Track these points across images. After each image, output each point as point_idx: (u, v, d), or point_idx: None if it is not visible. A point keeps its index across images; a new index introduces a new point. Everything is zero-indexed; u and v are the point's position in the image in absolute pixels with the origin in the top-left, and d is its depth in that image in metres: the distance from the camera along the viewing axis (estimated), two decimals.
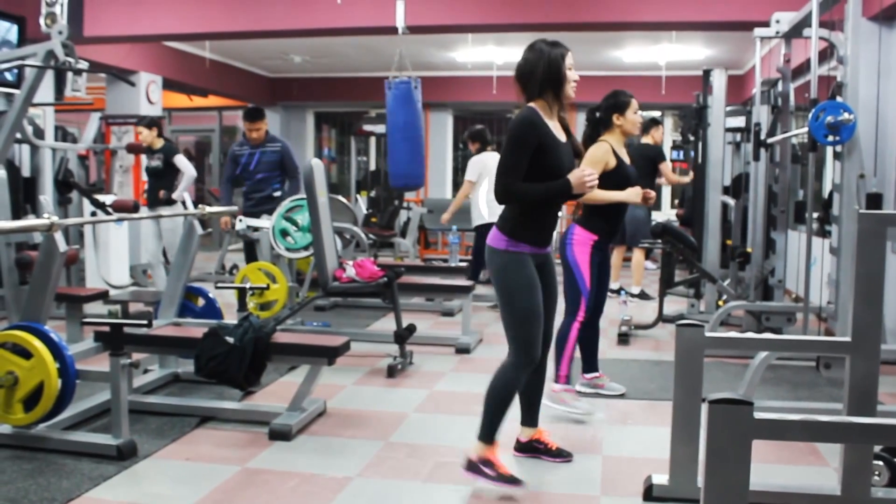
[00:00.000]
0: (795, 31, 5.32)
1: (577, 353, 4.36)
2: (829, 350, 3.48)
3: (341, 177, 14.37)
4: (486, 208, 7.22)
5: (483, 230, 7.01)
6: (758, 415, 1.94)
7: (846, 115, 3.79)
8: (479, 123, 13.57)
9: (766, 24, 5.54)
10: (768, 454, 3.69)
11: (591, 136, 4.32)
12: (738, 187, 7.62)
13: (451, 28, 7.52)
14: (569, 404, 4.17)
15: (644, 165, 8.20)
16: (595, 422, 4.19)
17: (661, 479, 3.13)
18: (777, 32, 5.37)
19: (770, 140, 5.52)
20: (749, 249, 6.17)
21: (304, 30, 7.30)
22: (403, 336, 5.13)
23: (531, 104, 3.15)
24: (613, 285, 8.74)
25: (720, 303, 6.51)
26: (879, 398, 4.61)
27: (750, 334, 3.93)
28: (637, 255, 8.57)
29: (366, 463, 3.51)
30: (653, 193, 4.17)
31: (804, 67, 5.92)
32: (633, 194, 4.09)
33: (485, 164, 7.33)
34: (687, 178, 8.49)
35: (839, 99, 3.96)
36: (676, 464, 3.07)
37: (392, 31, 6.57)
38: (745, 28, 7.00)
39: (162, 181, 7.00)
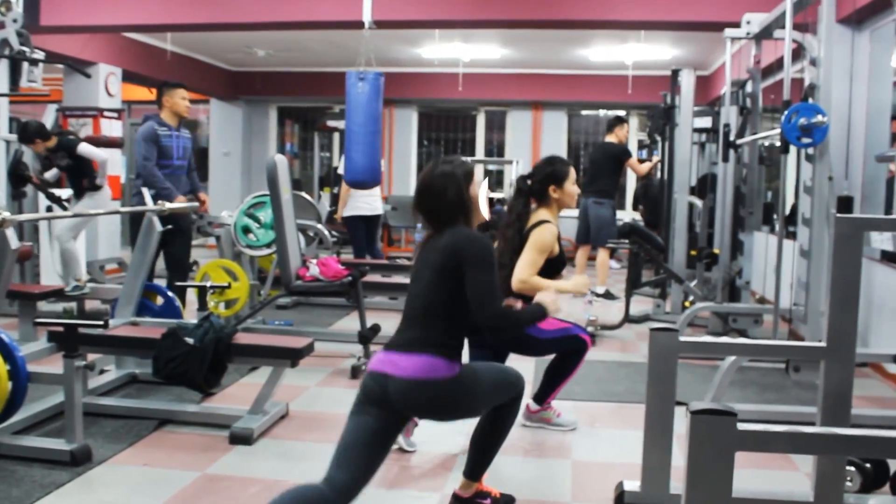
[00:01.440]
0: (766, 33, 5.31)
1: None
2: (804, 355, 3.46)
3: (304, 173, 14.18)
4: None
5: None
6: (741, 426, 1.89)
7: (819, 118, 3.77)
8: (444, 119, 13.67)
9: (735, 25, 5.53)
10: (740, 458, 3.65)
11: (522, 211, 3.78)
12: (703, 188, 7.64)
13: (418, 23, 7.43)
14: (552, 422, 3.99)
15: (607, 164, 8.20)
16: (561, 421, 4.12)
17: (633, 485, 3.07)
18: (748, 33, 5.36)
19: (740, 141, 5.51)
20: (716, 251, 6.16)
21: (270, 23, 7.13)
22: (368, 336, 5.03)
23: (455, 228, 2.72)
24: (599, 289, 8.73)
25: (686, 304, 6.50)
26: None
27: (725, 339, 3.90)
28: (602, 254, 8.55)
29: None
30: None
31: (772, 69, 5.92)
32: (581, 284, 3.67)
33: None
34: (656, 159, 8.47)
35: (811, 101, 3.94)
36: (649, 470, 3.02)
37: (359, 25, 6.44)
38: (713, 28, 7.00)
39: (80, 173, 6.49)
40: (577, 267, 8.81)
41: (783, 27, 5.22)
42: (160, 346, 3.73)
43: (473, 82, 11.54)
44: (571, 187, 3.80)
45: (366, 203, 7.77)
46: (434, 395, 2.60)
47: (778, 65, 5.86)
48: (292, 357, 3.77)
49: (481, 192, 2.87)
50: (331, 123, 11.52)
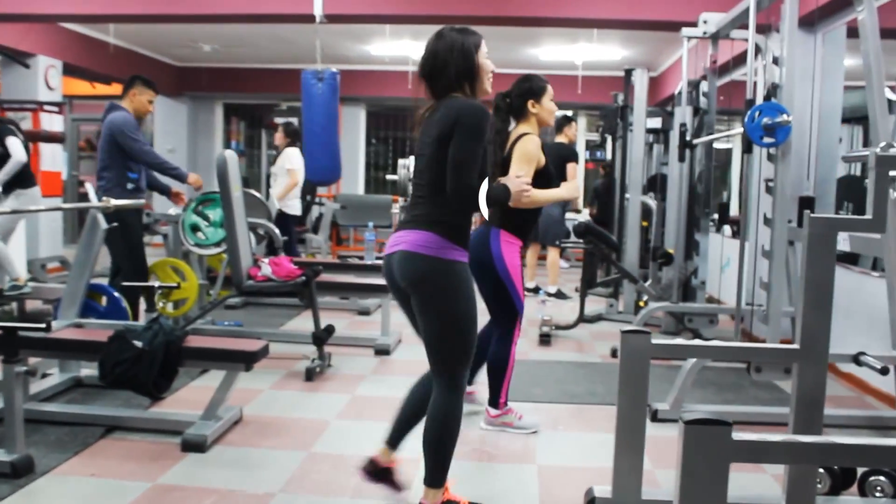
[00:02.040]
0: (723, 33, 5.31)
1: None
2: (777, 357, 3.43)
3: (251, 171, 13.91)
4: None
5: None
6: (736, 436, 1.82)
7: (783, 117, 3.76)
8: (393, 118, 13.53)
9: (689, 25, 5.52)
10: None
11: (501, 128, 3.78)
12: (652, 188, 7.66)
13: (369, 18, 7.28)
14: (514, 426, 3.90)
15: (559, 165, 8.17)
16: (522, 424, 4.05)
17: (604, 490, 3.01)
18: (704, 33, 5.35)
19: (696, 141, 5.50)
20: (670, 250, 6.16)
21: (218, 15, 6.92)
22: (322, 338, 4.89)
23: (454, 95, 2.70)
24: (530, 284, 8.70)
25: (641, 303, 6.50)
26: None
27: (697, 341, 3.86)
28: (552, 253, 8.54)
29: (288, 476, 3.27)
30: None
31: (724, 69, 5.95)
32: (573, 189, 3.77)
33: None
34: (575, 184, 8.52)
35: (774, 100, 3.93)
36: (620, 475, 2.94)
37: (309, 19, 6.29)
38: (666, 28, 7.03)
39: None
40: (527, 266, 8.79)
41: (740, 27, 5.27)
42: (107, 350, 3.54)
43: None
44: (549, 103, 3.81)
45: (295, 203, 7.71)
46: (422, 267, 2.66)
47: (734, 63, 5.90)
48: (247, 361, 3.61)
49: (490, 66, 2.79)
50: (279, 121, 11.27)
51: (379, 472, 2.98)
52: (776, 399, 4.62)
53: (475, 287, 2.86)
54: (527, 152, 3.70)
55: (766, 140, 3.92)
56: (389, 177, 12.13)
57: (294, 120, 11.15)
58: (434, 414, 2.78)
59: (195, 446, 3.47)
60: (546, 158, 3.82)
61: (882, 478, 3.08)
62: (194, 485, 3.14)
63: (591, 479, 3.19)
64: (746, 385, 4.89)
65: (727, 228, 7.71)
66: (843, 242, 4.38)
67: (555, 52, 10.32)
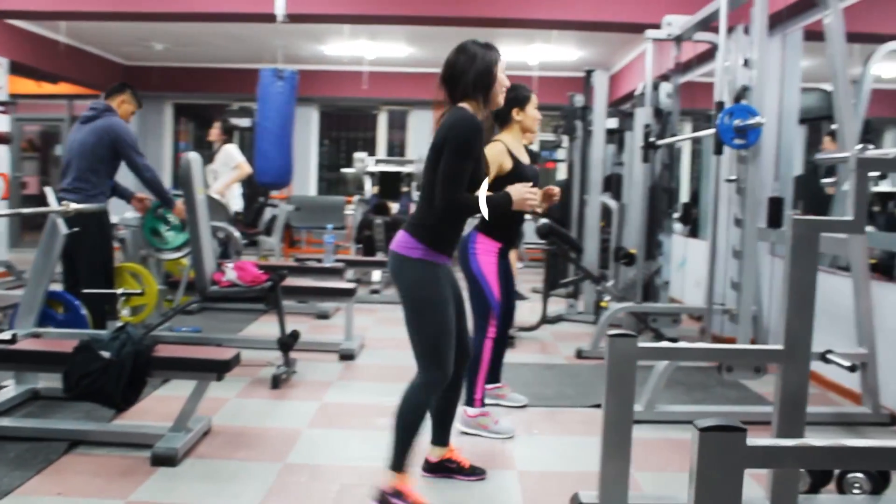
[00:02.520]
0: (686, 35, 5.36)
1: None
2: (761, 358, 3.46)
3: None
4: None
5: None
6: (750, 441, 1.81)
7: (756, 119, 3.79)
8: (345, 119, 13.39)
9: (649, 26, 5.56)
10: (682, 462, 3.62)
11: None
12: (607, 188, 7.69)
13: (331, 18, 7.18)
14: (489, 429, 3.89)
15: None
16: (498, 429, 4.02)
17: (590, 496, 2.98)
18: (669, 35, 5.39)
19: (660, 142, 5.54)
20: (633, 251, 6.20)
21: (180, 14, 6.73)
22: (289, 343, 4.79)
23: (462, 105, 2.89)
24: None
25: (603, 304, 6.52)
26: (770, 398, 4.71)
27: (683, 344, 3.87)
28: (511, 255, 8.52)
29: (266, 489, 3.17)
30: (557, 189, 3.89)
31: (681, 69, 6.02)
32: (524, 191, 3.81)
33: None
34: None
35: (744, 102, 3.97)
36: (607, 480, 2.92)
37: (271, 18, 6.17)
38: (625, 29, 7.10)
39: None
40: None
41: (704, 30, 5.32)
42: (72, 362, 3.40)
43: (377, 81, 11.35)
44: (533, 111, 3.97)
45: (236, 199, 7.60)
46: (399, 267, 2.87)
47: (691, 65, 5.96)
48: (219, 370, 3.51)
49: (505, 81, 2.98)
50: (231, 121, 11.06)
51: (434, 467, 3.26)
52: (744, 398, 4.67)
53: (454, 295, 2.99)
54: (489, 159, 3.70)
55: (737, 142, 3.96)
56: (344, 170, 12.00)
57: (246, 121, 10.97)
58: (406, 398, 2.93)
59: (166, 460, 3.35)
60: (520, 161, 3.86)
61: (860, 475, 3.12)
62: (169, 501, 3.03)
63: (573, 484, 3.17)
64: (713, 384, 4.93)
65: (679, 227, 7.79)
66: None
67: (510, 53, 10.26)
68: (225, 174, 7.41)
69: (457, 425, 3.91)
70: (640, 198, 6.44)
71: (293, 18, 6.36)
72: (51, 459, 3.37)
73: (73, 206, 4.22)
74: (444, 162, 2.76)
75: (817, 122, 6.36)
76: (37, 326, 4.10)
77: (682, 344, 3.79)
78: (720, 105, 3.98)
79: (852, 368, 3.84)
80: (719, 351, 3.24)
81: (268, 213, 10.61)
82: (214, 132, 7.60)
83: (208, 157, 7.22)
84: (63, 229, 4.14)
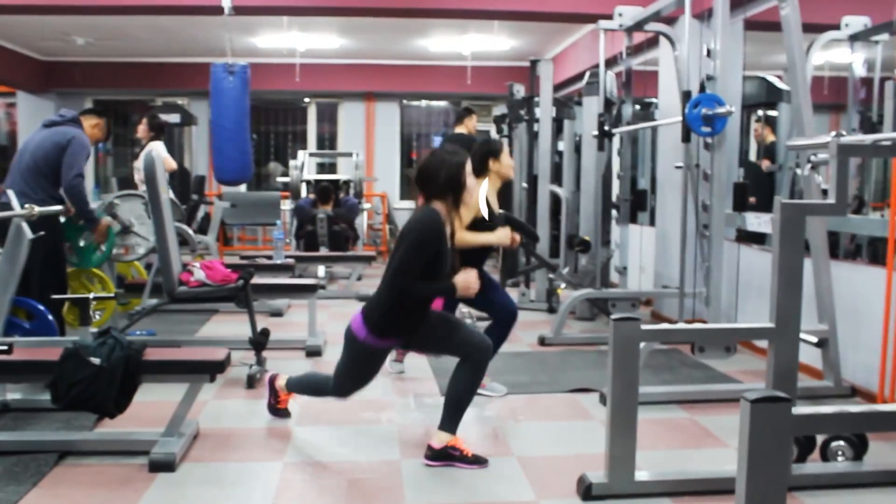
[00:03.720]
0: (637, 25, 5.51)
1: None
2: (752, 336, 3.64)
3: (120, 171, 13.18)
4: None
5: None
6: (795, 410, 1.92)
7: (725, 108, 3.95)
8: (274, 112, 13.18)
9: (587, 17, 5.69)
10: (671, 440, 3.77)
11: None
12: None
13: (273, 10, 7.11)
14: (484, 387, 4.30)
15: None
16: (488, 420, 4.09)
17: (598, 476, 3.07)
18: (620, 25, 5.53)
19: (616, 130, 5.69)
20: (587, 238, 6.35)
21: (124, 7, 6.49)
22: (262, 342, 4.75)
23: (434, 206, 3.29)
24: None
25: (559, 290, 6.66)
26: (734, 376, 4.92)
27: (681, 325, 4.00)
28: None
29: (273, 488, 3.16)
30: (518, 237, 4.30)
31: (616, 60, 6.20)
32: (503, 236, 4.18)
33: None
34: None
35: (709, 91, 4.12)
36: (615, 460, 3.03)
37: (217, 11, 6.05)
38: (566, 20, 7.24)
39: None
40: None
41: (655, 21, 5.49)
42: (60, 370, 3.29)
43: (307, 73, 11.22)
44: (507, 158, 4.41)
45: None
46: (348, 337, 3.41)
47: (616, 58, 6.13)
48: (212, 371, 3.46)
49: (474, 183, 3.45)
50: (167, 118, 10.75)
51: (438, 454, 3.39)
52: (712, 377, 4.85)
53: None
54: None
55: (705, 129, 4.11)
56: (280, 179, 11.85)
57: (175, 116, 10.71)
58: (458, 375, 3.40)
59: (164, 465, 3.29)
60: (492, 210, 4.28)
61: (842, 443, 3.30)
62: None
63: (574, 466, 3.26)
64: (677, 365, 5.11)
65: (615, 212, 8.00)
66: (766, 225, 4.66)
67: (443, 44, 10.37)
68: None
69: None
70: (591, 186, 6.60)
71: (239, 11, 6.25)
72: (43, 472, 3.26)
73: (37, 209, 4.08)
74: (401, 252, 3.22)
75: (753, 108, 6.64)
76: (2, 335, 3.97)
77: (680, 326, 3.93)
78: (687, 94, 4.12)
79: (819, 344, 4.05)
80: (716, 331, 3.38)
81: (202, 209, 10.43)
82: (141, 129, 7.41)
83: (132, 155, 7.02)
84: (28, 234, 4.00)
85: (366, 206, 10.75)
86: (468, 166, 3.35)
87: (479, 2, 7.06)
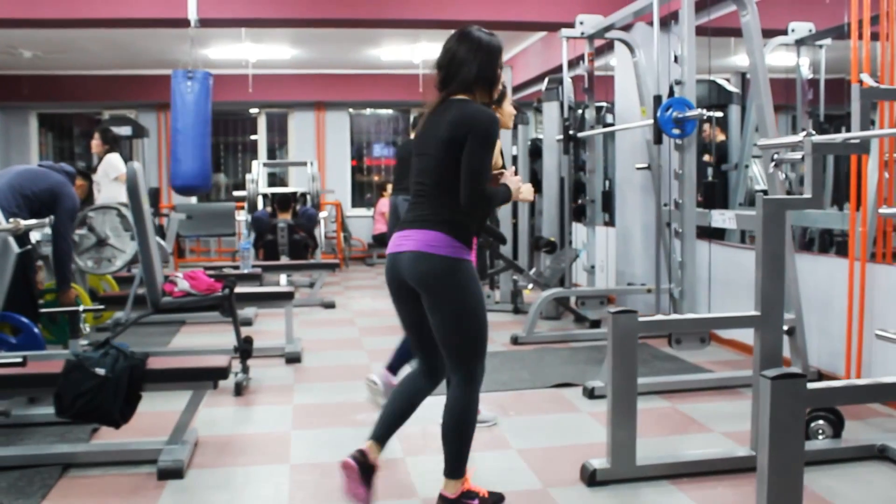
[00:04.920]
0: (598, 33, 5.72)
1: None
2: (739, 324, 3.83)
3: None
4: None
5: None
6: (810, 385, 2.09)
7: (695, 112, 4.16)
8: (225, 123, 13.09)
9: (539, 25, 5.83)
10: (660, 428, 3.95)
11: None
12: None
13: (235, 22, 7.12)
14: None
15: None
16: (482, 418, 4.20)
17: (601, 462, 3.22)
18: (582, 34, 5.73)
19: (581, 134, 5.88)
20: (552, 239, 6.53)
21: (88, 20, 6.40)
22: (248, 350, 4.79)
23: (462, 96, 2.78)
24: None
25: (527, 291, 6.83)
26: (705, 366, 5.13)
27: (674, 316, 4.17)
28: None
29: (286, 490, 3.23)
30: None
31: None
32: (528, 191, 3.89)
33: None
34: None
35: (677, 96, 4.33)
36: (617, 446, 3.18)
37: (183, 23, 6.06)
38: (528, 28, 7.39)
39: None
40: None
41: (616, 28, 5.70)
42: (65, 382, 3.30)
43: (259, 84, 11.21)
44: (508, 106, 3.96)
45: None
46: (432, 267, 2.74)
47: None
48: (215, 377, 3.51)
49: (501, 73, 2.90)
50: (118, 131, 10.61)
51: (366, 467, 2.88)
52: (684, 368, 5.06)
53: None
54: None
55: (676, 132, 4.32)
56: (237, 193, 11.78)
57: (126, 129, 10.58)
58: (452, 406, 2.86)
59: (173, 473, 3.33)
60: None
61: (822, 422, 3.51)
62: None
63: (575, 456, 3.40)
64: (649, 358, 5.31)
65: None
66: (730, 221, 4.89)
67: (394, 52, 10.48)
68: (106, 185, 7.16)
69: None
70: (554, 189, 6.79)
71: (203, 23, 6.27)
72: (49, 485, 3.26)
73: (24, 223, 4.06)
74: (470, 156, 2.68)
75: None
76: None
77: (674, 316, 4.11)
78: (658, 98, 4.32)
79: (789, 332, 4.28)
80: (706, 321, 3.58)
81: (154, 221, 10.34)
82: (95, 143, 7.34)
83: (80, 170, 6.93)
84: (15, 248, 3.98)
85: (322, 215, 10.79)
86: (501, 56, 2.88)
87: (434, 11, 7.18)
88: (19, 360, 2.95)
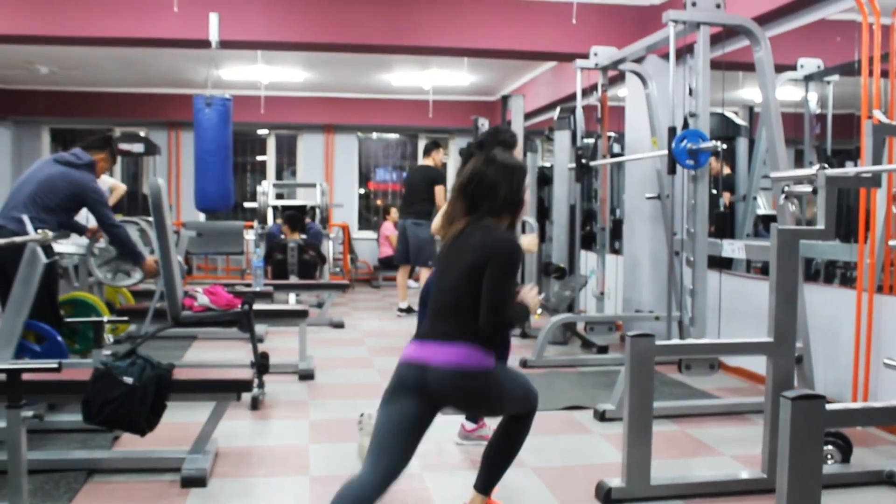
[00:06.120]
0: (613, 65, 5.86)
1: None
2: (753, 350, 3.90)
3: None
4: None
5: None
6: (829, 407, 2.18)
7: (709, 144, 4.28)
8: (235, 143, 13.19)
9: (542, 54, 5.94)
10: (670, 450, 4.02)
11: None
12: None
13: (252, 45, 7.26)
14: (486, 439, 4.12)
15: (425, 187, 8.51)
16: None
17: (617, 482, 3.29)
18: (596, 65, 5.87)
19: (594, 163, 6.00)
20: (562, 265, 6.63)
21: (111, 38, 6.55)
22: (265, 365, 4.87)
23: (487, 221, 2.75)
24: (402, 304, 8.96)
25: (536, 315, 6.89)
26: (712, 392, 5.20)
27: (690, 340, 4.26)
28: (425, 274, 8.81)
29: (308, 500, 3.31)
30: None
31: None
32: (530, 242, 3.91)
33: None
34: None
35: (692, 128, 4.44)
36: (632, 466, 3.26)
37: (204, 45, 6.20)
38: (533, 57, 7.52)
39: None
40: (398, 286, 9.06)
41: (630, 60, 5.84)
42: (93, 389, 3.38)
43: (270, 105, 11.38)
44: (520, 152, 3.98)
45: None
46: (470, 384, 2.66)
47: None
48: (239, 389, 3.60)
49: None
50: (124, 147, 10.75)
51: None
52: (692, 394, 5.14)
53: None
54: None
55: (690, 162, 4.43)
56: (248, 204, 11.97)
57: (139, 146, 10.71)
58: (505, 428, 2.97)
59: (197, 481, 3.41)
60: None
61: (831, 447, 3.58)
62: None
63: (589, 475, 3.48)
64: (658, 384, 5.29)
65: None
66: (739, 250, 4.99)
67: (406, 78, 10.64)
68: None
69: (455, 438, 4.14)
70: (563, 216, 6.90)
71: (223, 45, 6.41)
72: (75, 489, 3.34)
73: (51, 233, 4.16)
74: (493, 284, 2.62)
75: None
76: (14, 359, 4.01)
77: (690, 341, 4.20)
78: (672, 130, 4.43)
79: (797, 360, 4.37)
80: (720, 346, 3.68)
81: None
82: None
83: None
84: (42, 258, 4.07)
85: (330, 236, 10.90)
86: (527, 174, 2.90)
87: (449, 39, 7.33)
88: (55, 365, 3.03)
